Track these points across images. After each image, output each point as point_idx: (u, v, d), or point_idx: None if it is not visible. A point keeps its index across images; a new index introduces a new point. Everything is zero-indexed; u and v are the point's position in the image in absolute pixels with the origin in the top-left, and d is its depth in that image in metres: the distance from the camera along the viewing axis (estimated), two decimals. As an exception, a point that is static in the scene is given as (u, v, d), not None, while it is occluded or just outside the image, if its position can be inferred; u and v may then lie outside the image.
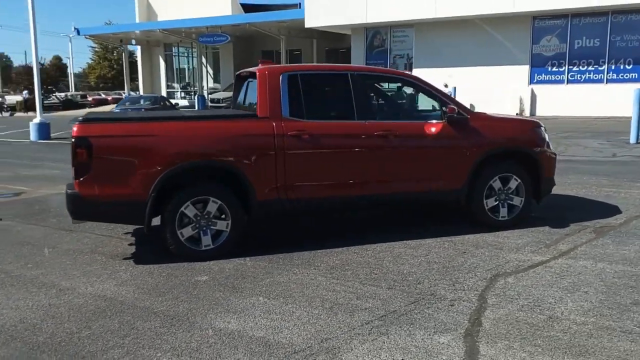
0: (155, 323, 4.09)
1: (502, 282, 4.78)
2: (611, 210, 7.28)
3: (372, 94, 6.42)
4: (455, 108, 6.12)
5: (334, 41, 34.85)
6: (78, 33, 41.71)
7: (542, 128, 6.71)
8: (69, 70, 74.33)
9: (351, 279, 4.93)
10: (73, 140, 5.21)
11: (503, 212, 6.44)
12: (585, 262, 5.26)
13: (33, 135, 20.53)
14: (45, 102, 47.54)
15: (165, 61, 45.25)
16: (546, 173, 6.58)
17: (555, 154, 6.81)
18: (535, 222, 6.66)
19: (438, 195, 6.34)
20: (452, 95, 23.73)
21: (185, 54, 45.50)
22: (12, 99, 48.46)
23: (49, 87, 61.38)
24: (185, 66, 45.84)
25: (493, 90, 24.90)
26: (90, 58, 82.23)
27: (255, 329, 3.96)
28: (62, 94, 51.79)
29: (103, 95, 56.51)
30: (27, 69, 66.20)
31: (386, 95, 6.94)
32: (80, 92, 56.30)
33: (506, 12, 23.64)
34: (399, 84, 6.69)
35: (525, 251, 5.63)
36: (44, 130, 20.61)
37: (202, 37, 35.45)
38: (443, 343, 3.68)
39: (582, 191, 8.58)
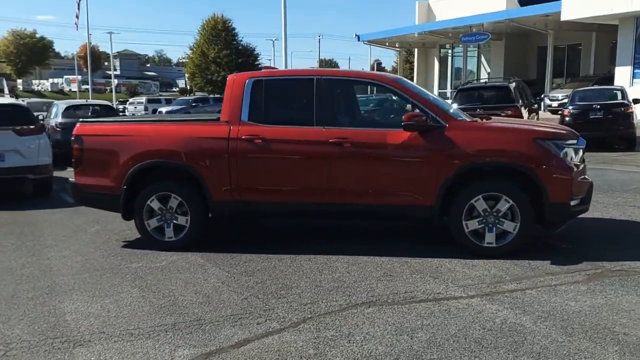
0: (30, 294, 4.84)
1: (355, 311, 4.25)
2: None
3: (338, 99, 6.05)
4: (422, 116, 5.41)
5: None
6: (358, 39, 45.03)
7: (555, 141, 5.39)
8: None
9: (233, 286, 4.93)
10: (72, 137, 6.30)
11: (489, 237, 5.43)
12: (495, 306, 4.25)
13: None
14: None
15: (440, 62, 45.76)
16: (552, 197, 5.27)
17: (570, 174, 5.38)
18: (540, 253, 5.46)
19: (403, 211, 5.66)
20: None
21: (461, 54, 45.26)
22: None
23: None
24: (460, 66, 45.54)
25: None
26: (394, 61, 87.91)
27: (75, 312, 4.40)
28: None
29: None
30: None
31: (354, 100, 6.36)
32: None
33: None
34: (374, 89, 6.10)
35: (456, 285, 4.75)
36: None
37: (464, 36, 35.01)
38: (172, 357, 3.62)
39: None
